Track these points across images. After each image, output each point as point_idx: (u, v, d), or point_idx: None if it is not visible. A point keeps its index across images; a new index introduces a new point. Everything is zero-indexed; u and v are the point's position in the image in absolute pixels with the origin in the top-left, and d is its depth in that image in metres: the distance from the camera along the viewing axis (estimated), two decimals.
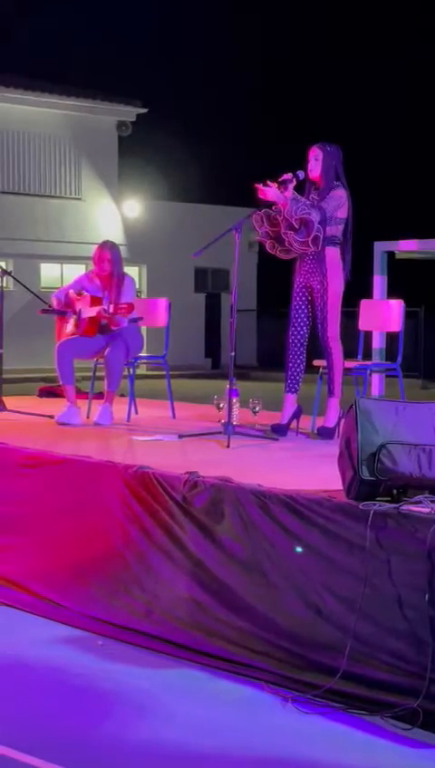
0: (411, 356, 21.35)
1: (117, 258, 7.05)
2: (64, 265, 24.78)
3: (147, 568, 4.75)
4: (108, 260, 7.01)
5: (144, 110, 26.00)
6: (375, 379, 7.64)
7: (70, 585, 5.07)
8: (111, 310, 6.75)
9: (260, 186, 6.23)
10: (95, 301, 6.94)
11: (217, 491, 4.54)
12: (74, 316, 7.03)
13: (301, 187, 6.40)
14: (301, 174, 6.31)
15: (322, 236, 6.22)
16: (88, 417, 7.10)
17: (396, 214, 28.46)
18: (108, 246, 7.09)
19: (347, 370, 6.58)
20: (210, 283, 27.56)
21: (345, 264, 6.38)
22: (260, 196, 6.23)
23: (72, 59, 32.06)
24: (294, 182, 6.26)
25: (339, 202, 6.30)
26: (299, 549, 4.24)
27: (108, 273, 7.02)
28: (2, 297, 7.62)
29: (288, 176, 6.24)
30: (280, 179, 6.23)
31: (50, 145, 24.93)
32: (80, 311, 6.99)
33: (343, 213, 6.34)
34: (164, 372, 7.56)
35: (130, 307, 6.74)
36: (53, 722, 3.86)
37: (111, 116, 25.68)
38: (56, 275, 24.58)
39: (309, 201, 6.29)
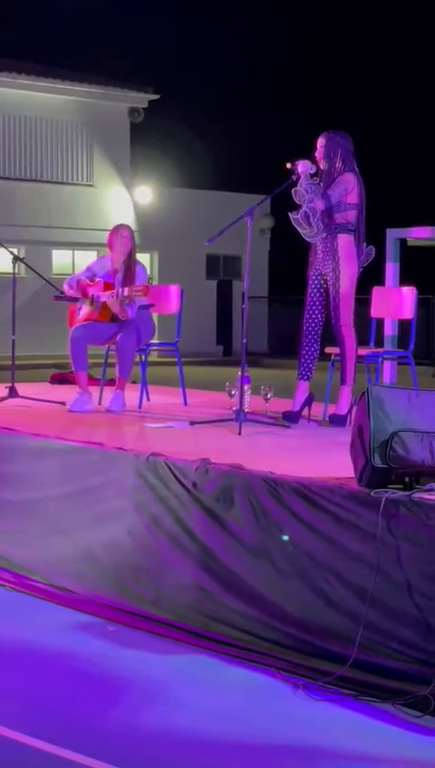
0: (423, 344, 21.31)
1: (133, 239, 7.09)
2: (76, 252, 24.77)
3: (156, 554, 4.76)
4: (127, 237, 7.01)
5: (156, 97, 25.93)
6: (387, 367, 7.60)
7: (81, 571, 5.09)
8: (127, 292, 6.74)
9: (288, 164, 6.22)
10: (108, 286, 6.94)
11: (229, 478, 4.54)
12: (88, 300, 7.02)
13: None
14: (300, 164, 6.26)
15: (317, 217, 6.19)
16: (100, 404, 7.11)
17: (409, 200, 28.37)
18: (125, 226, 7.15)
19: (359, 358, 6.56)
20: (222, 269, 27.52)
21: (359, 251, 6.35)
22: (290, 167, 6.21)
23: (85, 45, 32.00)
24: (294, 176, 6.23)
25: (347, 186, 6.26)
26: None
27: (128, 250, 7.01)
28: (14, 284, 7.62)
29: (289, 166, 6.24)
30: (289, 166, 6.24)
31: (62, 131, 24.88)
32: (94, 295, 6.97)
33: (353, 198, 6.30)
34: (176, 359, 7.55)
35: (146, 288, 6.72)
36: (64, 707, 3.88)
37: (123, 102, 25.61)
38: (68, 262, 24.57)
39: (320, 189, 6.27)
